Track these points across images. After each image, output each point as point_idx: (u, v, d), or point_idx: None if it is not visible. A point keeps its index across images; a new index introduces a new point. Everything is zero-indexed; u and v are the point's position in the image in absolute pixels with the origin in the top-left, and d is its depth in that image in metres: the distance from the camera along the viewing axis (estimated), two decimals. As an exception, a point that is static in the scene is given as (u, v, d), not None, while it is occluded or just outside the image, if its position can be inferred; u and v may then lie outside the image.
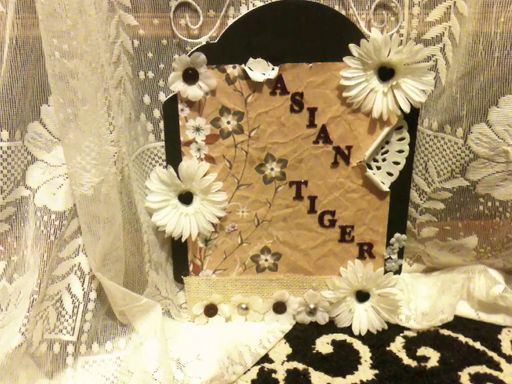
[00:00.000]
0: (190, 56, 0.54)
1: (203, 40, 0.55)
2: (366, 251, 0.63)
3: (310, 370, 0.57)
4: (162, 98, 0.57)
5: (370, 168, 0.59)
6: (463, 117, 0.57)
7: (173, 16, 0.54)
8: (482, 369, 0.57)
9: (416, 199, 0.64)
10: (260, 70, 0.55)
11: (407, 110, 0.55)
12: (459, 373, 0.56)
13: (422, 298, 0.66)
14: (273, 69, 0.55)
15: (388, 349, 0.60)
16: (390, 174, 0.60)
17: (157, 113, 0.58)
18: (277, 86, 0.56)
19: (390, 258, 0.63)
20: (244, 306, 0.64)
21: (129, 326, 0.59)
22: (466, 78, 0.55)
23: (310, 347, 0.61)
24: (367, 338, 0.62)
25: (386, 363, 0.58)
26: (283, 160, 0.59)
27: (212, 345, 0.59)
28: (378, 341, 0.61)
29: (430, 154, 0.61)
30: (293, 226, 0.61)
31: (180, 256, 0.62)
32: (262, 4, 0.54)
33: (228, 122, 0.57)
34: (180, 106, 0.56)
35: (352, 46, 0.53)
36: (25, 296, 0.51)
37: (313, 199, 0.60)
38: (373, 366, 0.57)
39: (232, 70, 0.55)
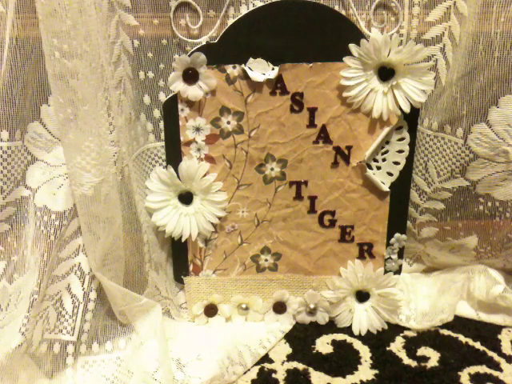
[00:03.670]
0: (190, 56, 0.54)
1: (203, 40, 0.55)
2: (366, 251, 0.63)
3: (310, 370, 0.57)
4: (162, 98, 0.57)
5: (370, 168, 0.59)
6: (463, 117, 0.57)
7: (173, 16, 0.54)
8: (482, 369, 0.57)
9: (416, 199, 0.64)
10: (260, 70, 0.55)
11: (407, 109, 0.55)
12: (459, 373, 0.56)
13: (422, 298, 0.66)
14: (273, 69, 0.55)
15: (388, 349, 0.60)
16: (390, 174, 0.60)
17: (157, 113, 0.58)
18: (277, 85, 0.56)
19: (390, 258, 0.63)
20: (244, 306, 0.64)
21: (129, 326, 0.59)
22: (466, 78, 0.55)
23: (310, 347, 0.61)
24: (367, 338, 0.62)
25: (386, 363, 0.58)
26: (283, 160, 0.59)
27: (212, 345, 0.59)
28: (377, 341, 0.61)
29: (430, 154, 0.61)
30: (293, 226, 0.61)
31: (180, 256, 0.62)
32: (262, 4, 0.54)
33: (228, 122, 0.57)
34: (180, 106, 0.56)
35: (352, 46, 0.53)
36: (25, 296, 0.51)
37: (313, 199, 0.60)
38: (373, 366, 0.57)
39: (232, 70, 0.55)
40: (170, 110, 0.56)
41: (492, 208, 0.61)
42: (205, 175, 0.58)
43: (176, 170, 0.58)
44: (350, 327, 0.63)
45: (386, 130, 0.57)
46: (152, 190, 0.59)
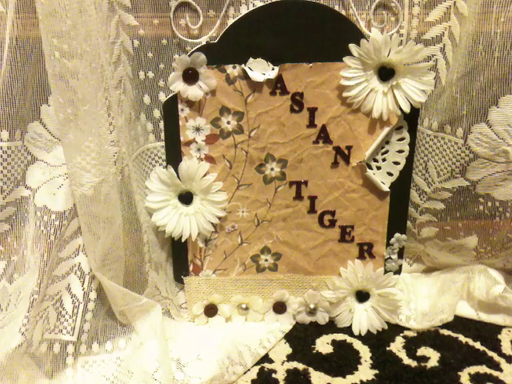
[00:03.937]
0: (190, 56, 0.54)
1: (203, 40, 0.55)
2: (366, 251, 0.63)
3: (310, 369, 0.57)
4: (162, 97, 0.57)
5: (370, 168, 0.59)
6: (463, 117, 0.57)
7: (173, 16, 0.54)
8: (482, 369, 0.57)
9: (416, 199, 0.64)
10: (260, 70, 0.55)
11: (407, 109, 0.55)
12: (459, 373, 0.56)
13: (422, 298, 0.66)
14: (273, 69, 0.55)
15: (388, 349, 0.60)
16: (390, 174, 0.60)
17: (157, 113, 0.58)
18: (277, 85, 0.56)
19: (390, 258, 0.63)
20: (244, 306, 0.64)
21: (129, 326, 0.59)
22: (466, 78, 0.55)
23: (310, 347, 0.61)
24: (367, 338, 0.62)
25: (386, 363, 0.58)
26: (283, 160, 0.59)
27: (212, 345, 0.59)
28: (377, 341, 0.61)
29: (430, 154, 0.61)
30: (293, 226, 0.61)
31: (180, 256, 0.62)
32: (262, 4, 0.54)
33: (228, 122, 0.57)
34: (180, 106, 0.56)
35: (352, 46, 0.53)
36: (25, 296, 0.51)
37: (313, 199, 0.60)
38: (373, 366, 0.57)
39: (232, 70, 0.55)
40: (170, 110, 0.56)
41: (492, 208, 0.61)
42: (205, 175, 0.58)
43: (176, 170, 0.58)
44: (350, 327, 0.63)
45: (386, 130, 0.57)
46: (152, 190, 0.59)
